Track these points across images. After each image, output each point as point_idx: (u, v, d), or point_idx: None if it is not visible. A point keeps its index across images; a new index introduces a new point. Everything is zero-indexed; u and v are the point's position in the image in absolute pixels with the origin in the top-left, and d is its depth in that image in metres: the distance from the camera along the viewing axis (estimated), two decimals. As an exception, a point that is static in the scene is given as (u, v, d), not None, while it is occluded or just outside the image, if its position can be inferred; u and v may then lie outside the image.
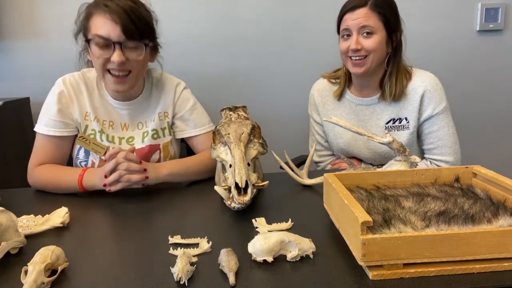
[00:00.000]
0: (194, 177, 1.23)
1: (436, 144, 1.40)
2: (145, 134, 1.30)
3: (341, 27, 1.38)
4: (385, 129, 1.42)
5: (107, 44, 1.13)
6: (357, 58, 1.34)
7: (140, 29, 1.14)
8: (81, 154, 1.26)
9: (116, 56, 1.12)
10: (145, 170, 1.11)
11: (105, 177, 1.08)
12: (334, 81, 1.51)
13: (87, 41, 1.17)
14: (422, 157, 1.46)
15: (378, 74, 1.41)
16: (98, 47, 1.14)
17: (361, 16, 1.31)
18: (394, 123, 1.42)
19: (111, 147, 1.25)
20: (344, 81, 1.47)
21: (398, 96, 1.38)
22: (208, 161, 1.24)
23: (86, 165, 1.26)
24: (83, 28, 1.19)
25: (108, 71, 1.17)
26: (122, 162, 1.07)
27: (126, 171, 1.07)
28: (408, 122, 1.40)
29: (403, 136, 1.41)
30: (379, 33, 1.32)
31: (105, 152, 1.24)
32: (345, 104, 1.48)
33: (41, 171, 1.19)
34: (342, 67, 1.48)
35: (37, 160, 1.22)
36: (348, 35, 1.35)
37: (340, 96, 1.48)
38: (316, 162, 1.59)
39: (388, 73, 1.39)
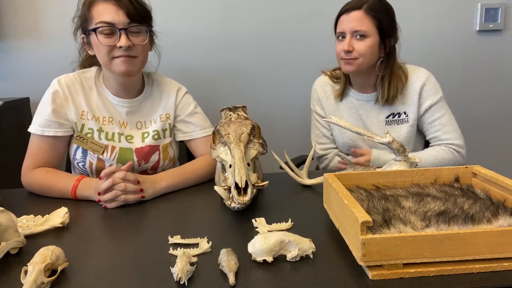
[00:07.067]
0: (192, 185, 1.21)
1: (442, 130, 1.44)
2: (146, 134, 1.29)
3: (337, 29, 1.42)
4: (386, 123, 1.47)
5: (112, 31, 1.15)
6: (347, 58, 1.38)
7: (141, 13, 1.18)
8: (79, 154, 1.24)
9: (123, 40, 1.14)
10: (141, 190, 1.07)
11: (99, 194, 1.04)
12: (335, 80, 1.55)
13: (89, 33, 1.18)
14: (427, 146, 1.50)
15: (371, 76, 1.45)
16: (103, 34, 1.15)
17: (355, 20, 1.35)
18: (394, 117, 1.47)
19: (110, 145, 1.24)
20: (345, 80, 1.51)
21: (392, 99, 1.43)
22: (207, 167, 1.24)
23: (83, 165, 1.24)
24: (84, 20, 1.20)
25: (114, 58, 1.18)
26: (118, 182, 1.03)
27: (122, 192, 1.03)
28: (407, 116, 1.46)
29: (403, 129, 1.46)
30: (371, 37, 1.36)
31: (103, 151, 1.23)
32: (347, 99, 1.52)
33: (35, 175, 1.16)
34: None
35: (32, 162, 1.19)
36: (343, 37, 1.39)
37: (341, 95, 1.51)
38: (321, 156, 1.58)
39: (380, 77, 1.43)
